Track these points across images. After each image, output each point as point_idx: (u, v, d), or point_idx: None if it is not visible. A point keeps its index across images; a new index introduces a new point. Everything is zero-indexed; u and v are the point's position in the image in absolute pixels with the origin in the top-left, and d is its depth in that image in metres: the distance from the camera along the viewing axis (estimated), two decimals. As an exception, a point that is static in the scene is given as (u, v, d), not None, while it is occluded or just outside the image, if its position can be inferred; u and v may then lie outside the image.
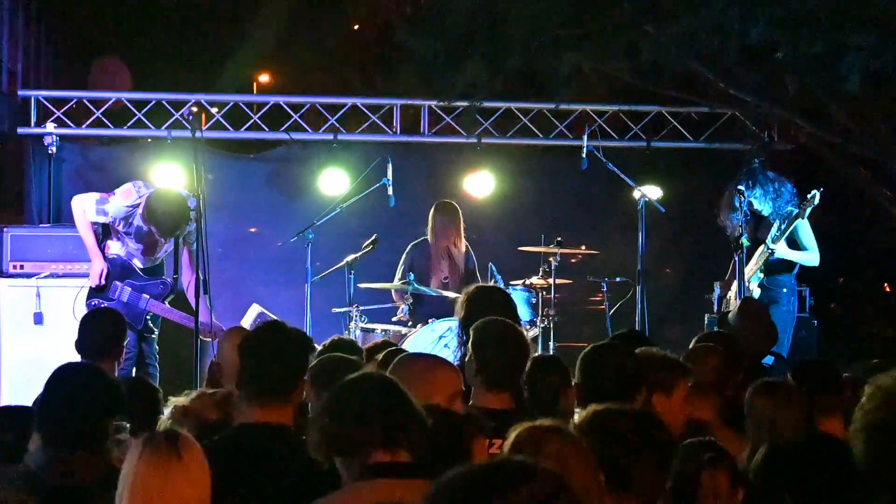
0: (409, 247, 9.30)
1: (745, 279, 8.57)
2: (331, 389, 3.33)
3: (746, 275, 8.61)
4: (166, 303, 8.45)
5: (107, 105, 10.23)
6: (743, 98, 9.12)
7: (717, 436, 4.23)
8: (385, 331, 8.69)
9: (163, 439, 3.24)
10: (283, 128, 10.49)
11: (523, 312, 8.34)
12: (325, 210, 9.44)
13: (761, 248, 8.76)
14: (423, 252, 9.26)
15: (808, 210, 8.55)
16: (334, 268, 9.05)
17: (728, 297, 8.84)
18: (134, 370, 8.04)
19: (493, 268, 8.75)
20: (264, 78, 20.39)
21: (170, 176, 9.57)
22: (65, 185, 10.04)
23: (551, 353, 8.17)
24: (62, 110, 10.12)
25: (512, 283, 8.88)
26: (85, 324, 6.22)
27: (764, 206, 8.84)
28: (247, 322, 8.20)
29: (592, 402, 3.36)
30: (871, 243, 10.51)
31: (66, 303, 8.56)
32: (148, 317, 8.36)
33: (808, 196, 8.53)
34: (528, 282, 8.94)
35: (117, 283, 8.38)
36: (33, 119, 10.07)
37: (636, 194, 9.15)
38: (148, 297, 8.35)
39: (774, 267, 8.78)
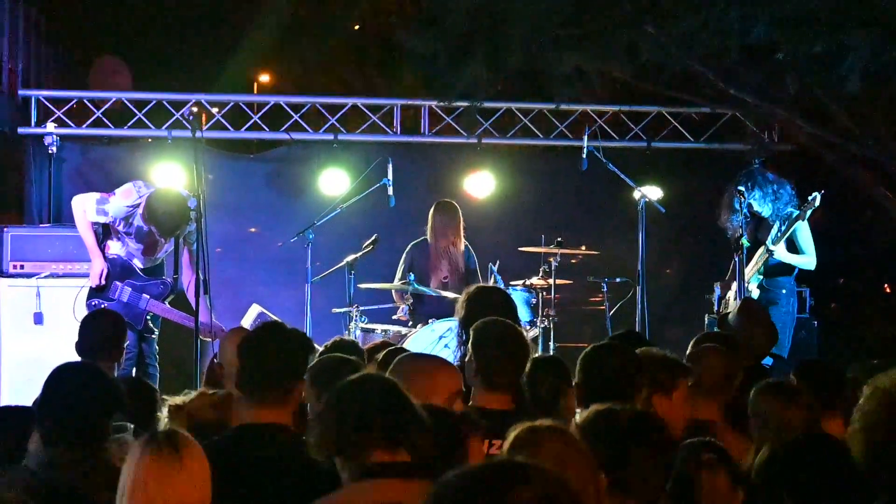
0: (409, 247, 9.30)
1: (745, 280, 8.57)
2: (331, 390, 3.33)
3: (746, 275, 8.61)
4: (166, 303, 8.45)
5: (107, 105, 10.23)
6: (743, 98, 9.11)
7: (722, 437, 4.23)
8: (385, 331, 8.69)
9: (164, 439, 3.24)
10: (283, 128, 10.49)
11: (523, 313, 8.34)
12: (325, 210, 9.44)
13: (761, 249, 8.76)
14: (423, 252, 9.26)
15: (809, 212, 8.55)
16: (334, 268, 9.05)
17: (727, 297, 8.84)
18: (134, 370, 8.04)
19: (494, 268, 8.75)
20: (264, 78, 20.41)
21: (170, 176, 9.57)
22: (65, 185, 10.04)
23: (551, 353, 8.17)
24: (63, 110, 10.12)
25: (512, 283, 8.88)
26: (85, 325, 6.22)
27: (763, 208, 8.84)
28: (247, 322, 8.19)
29: (592, 402, 3.36)
30: (871, 243, 10.51)
31: (67, 303, 8.56)
32: (148, 317, 8.37)
33: (809, 198, 8.52)
34: (528, 282, 8.94)
35: (117, 283, 8.38)
36: (34, 119, 10.07)
37: (636, 194, 9.15)
38: (148, 297, 8.36)
39: (774, 268, 8.78)
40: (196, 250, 7.27)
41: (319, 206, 9.68)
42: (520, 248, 9.28)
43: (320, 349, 5.45)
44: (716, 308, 8.98)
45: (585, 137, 9.64)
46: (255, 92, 19.14)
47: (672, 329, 9.56)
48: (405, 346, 7.58)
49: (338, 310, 8.94)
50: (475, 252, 9.38)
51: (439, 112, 10.47)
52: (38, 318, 8.89)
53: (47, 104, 10.11)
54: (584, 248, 9.24)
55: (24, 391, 7.19)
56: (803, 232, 8.76)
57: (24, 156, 10.10)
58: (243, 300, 9.10)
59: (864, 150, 9.02)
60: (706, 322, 9.10)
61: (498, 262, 8.73)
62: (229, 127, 10.48)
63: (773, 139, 10.69)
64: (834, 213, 9.26)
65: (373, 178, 9.64)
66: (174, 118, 10.08)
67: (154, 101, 10.26)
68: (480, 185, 10.37)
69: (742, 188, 8.72)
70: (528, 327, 8.46)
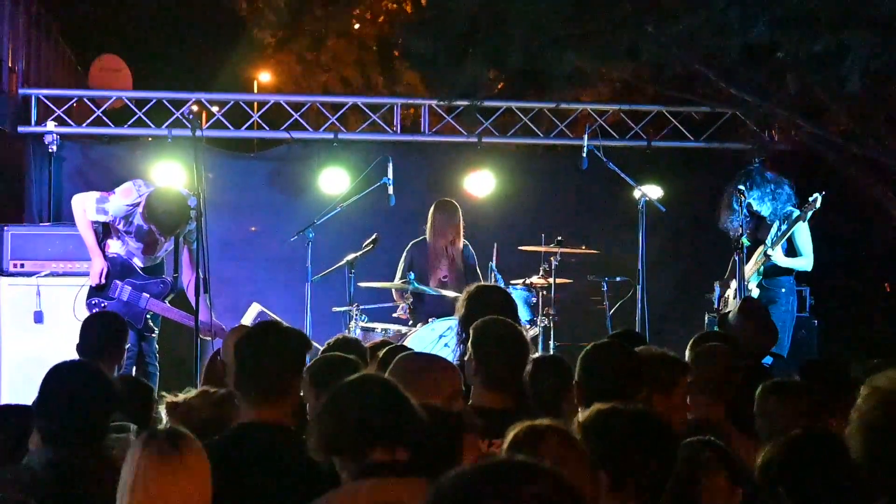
0: (409, 246, 9.30)
1: (745, 279, 8.57)
2: (331, 390, 3.33)
3: (746, 274, 8.61)
4: (166, 302, 8.45)
5: (107, 104, 10.23)
6: (743, 98, 9.11)
7: (728, 438, 4.22)
8: (385, 330, 8.69)
9: (164, 438, 3.24)
10: (283, 127, 10.49)
11: (523, 312, 8.34)
12: (325, 209, 9.44)
13: (760, 248, 8.76)
14: (423, 251, 9.26)
15: (809, 214, 8.55)
16: (334, 267, 9.05)
17: (727, 296, 8.84)
18: (134, 369, 8.04)
19: (494, 267, 8.74)
20: (265, 77, 20.41)
21: (170, 175, 9.57)
22: (65, 184, 10.03)
23: (551, 352, 8.16)
24: (63, 109, 10.11)
25: (512, 282, 8.87)
26: (86, 327, 6.22)
27: (762, 207, 8.84)
28: (247, 321, 8.19)
29: (593, 401, 3.36)
30: (871, 243, 10.50)
31: (67, 302, 8.56)
32: (148, 316, 8.36)
33: (810, 199, 8.51)
34: (528, 281, 8.94)
35: (117, 281, 8.38)
36: (34, 118, 10.07)
37: (636, 194, 9.15)
38: (148, 295, 8.35)
39: (773, 267, 8.79)
40: (196, 249, 7.27)
41: (319, 205, 9.68)
42: (520, 248, 9.28)
43: (322, 347, 5.46)
44: (716, 307, 8.99)
45: (586, 137, 9.64)
46: (256, 91, 19.17)
47: (672, 328, 9.55)
48: (405, 344, 7.58)
49: (338, 309, 8.93)
50: (475, 251, 9.37)
51: (439, 111, 10.47)
52: (38, 317, 8.89)
53: (47, 103, 10.10)
54: (584, 247, 9.23)
55: (24, 390, 7.19)
56: (802, 233, 8.76)
57: (24, 155, 10.10)
58: (243, 299, 9.11)
59: (865, 149, 9.02)
60: (706, 321, 9.09)
61: (495, 258, 8.74)
62: (229, 126, 10.47)
63: (773, 139, 10.69)
64: (834, 213, 9.25)
65: (373, 177, 9.64)
66: (174, 117, 10.07)
67: (154, 100, 10.26)
68: (480, 184, 10.36)
69: (741, 187, 8.72)
70: (528, 326, 8.46)
